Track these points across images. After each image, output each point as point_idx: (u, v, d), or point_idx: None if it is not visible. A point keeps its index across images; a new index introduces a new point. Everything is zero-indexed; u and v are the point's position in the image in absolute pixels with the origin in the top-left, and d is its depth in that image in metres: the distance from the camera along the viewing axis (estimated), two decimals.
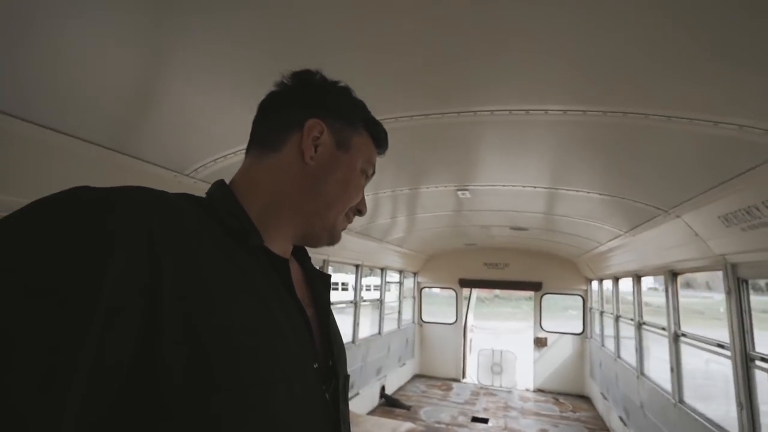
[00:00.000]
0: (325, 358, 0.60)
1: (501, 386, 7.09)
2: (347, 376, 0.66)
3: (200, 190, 2.51)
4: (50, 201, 0.39)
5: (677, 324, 3.23)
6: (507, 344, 9.15)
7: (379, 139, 0.69)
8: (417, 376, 7.52)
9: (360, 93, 0.70)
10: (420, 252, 6.88)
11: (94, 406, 0.36)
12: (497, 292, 31.03)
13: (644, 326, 4.07)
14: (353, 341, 5.01)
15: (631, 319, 4.32)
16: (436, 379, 7.36)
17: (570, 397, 6.63)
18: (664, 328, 3.41)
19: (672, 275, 3.33)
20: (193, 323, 0.41)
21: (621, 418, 4.58)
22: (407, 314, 7.47)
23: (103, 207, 0.40)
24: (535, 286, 7.14)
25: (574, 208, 3.42)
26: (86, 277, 0.36)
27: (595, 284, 6.40)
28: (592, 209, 3.26)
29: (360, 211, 0.69)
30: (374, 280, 6.43)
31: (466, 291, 7.89)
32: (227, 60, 1.25)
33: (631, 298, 4.38)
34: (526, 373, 7.46)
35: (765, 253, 1.99)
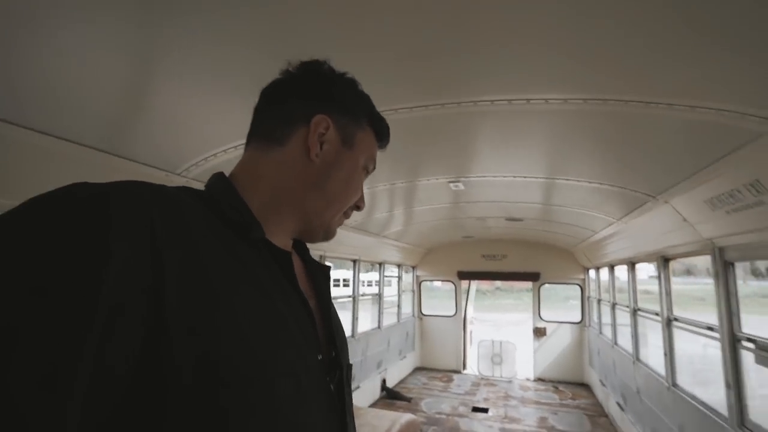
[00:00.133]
0: (328, 349, 0.59)
1: (501, 376, 7.15)
2: (350, 366, 0.67)
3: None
4: (48, 198, 0.39)
5: (670, 309, 3.27)
6: (508, 336, 9.21)
7: (381, 134, 0.69)
8: (418, 369, 7.59)
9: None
10: (418, 246, 6.92)
11: (98, 407, 0.36)
12: (498, 284, 31.14)
13: (639, 312, 4.11)
14: (353, 335, 5.06)
15: (627, 306, 4.36)
16: (437, 371, 7.43)
17: (570, 385, 6.69)
18: (658, 314, 3.45)
19: (664, 261, 3.36)
20: (198, 319, 0.41)
21: (619, 404, 4.64)
22: (407, 308, 7.52)
23: (101, 202, 0.39)
24: (533, 277, 7.19)
25: (567, 197, 3.45)
26: (86, 275, 0.35)
27: (592, 273, 6.44)
28: (585, 198, 3.29)
29: (358, 207, 0.69)
30: (375, 276, 6.48)
31: (465, 283, 7.93)
32: (217, 59, 1.26)
33: (628, 285, 4.42)
34: (526, 362, 7.52)
35: (749, 235, 2.02)
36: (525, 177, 2.91)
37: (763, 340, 2.04)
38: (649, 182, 2.49)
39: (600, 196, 3.10)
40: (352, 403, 0.65)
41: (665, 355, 3.23)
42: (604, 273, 5.54)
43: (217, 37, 1.15)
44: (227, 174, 0.61)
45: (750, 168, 1.65)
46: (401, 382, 6.73)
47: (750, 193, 1.76)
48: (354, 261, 5.30)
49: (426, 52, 1.28)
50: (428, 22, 1.13)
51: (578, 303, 7.09)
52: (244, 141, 1.78)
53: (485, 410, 5.43)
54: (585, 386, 6.60)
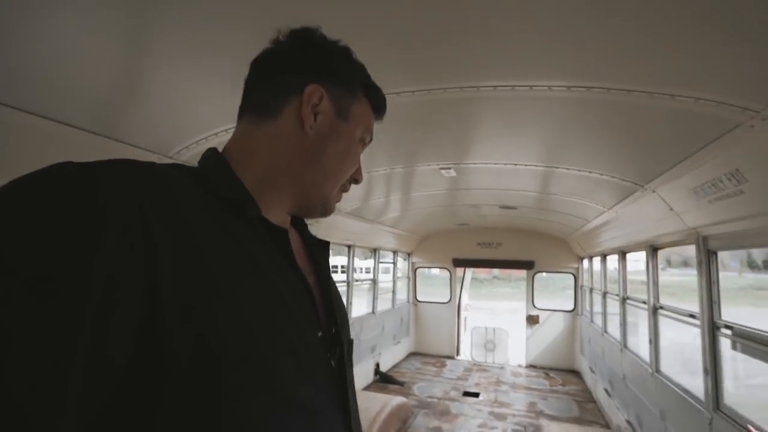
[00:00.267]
0: (328, 325, 0.58)
1: (494, 363, 7.26)
2: (351, 341, 0.65)
3: None
4: (32, 179, 0.37)
5: (656, 297, 3.32)
6: (504, 323, 9.31)
7: (378, 105, 0.66)
8: (412, 354, 7.70)
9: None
10: (413, 232, 6.96)
11: (96, 394, 0.35)
12: (496, 272, 31.32)
13: (628, 301, 4.17)
14: None
15: (617, 295, 4.42)
16: (430, 357, 7.54)
17: (561, 372, 6.80)
18: (645, 302, 3.50)
19: (653, 250, 3.40)
20: (193, 299, 0.40)
21: (606, 390, 4.73)
22: (402, 294, 7.60)
23: (89, 182, 0.38)
24: (528, 265, 7.25)
25: (559, 186, 3.47)
26: (77, 262, 0.34)
27: (586, 262, 6.49)
28: (576, 186, 3.31)
29: (356, 180, 0.66)
30: (372, 264, 6.53)
31: (460, 271, 8.00)
32: (210, 42, 1.26)
33: (618, 275, 4.47)
34: (518, 349, 7.63)
35: (731, 225, 2.05)
36: (516, 164, 2.93)
37: (739, 327, 2.09)
38: (637, 171, 2.51)
39: (591, 185, 3.12)
40: (353, 379, 0.64)
41: (650, 342, 3.29)
42: (597, 262, 5.59)
43: (209, 19, 1.15)
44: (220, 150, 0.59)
45: (730, 157, 1.67)
46: (395, 366, 6.84)
47: (731, 183, 1.78)
48: (348, 246, 5.35)
49: (430, 36, 1.27)
50: (434, 6, 1.12)
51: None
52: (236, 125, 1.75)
53: (476, 395, 5.54)
54: (575, 373, 6.71)
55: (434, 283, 8.25)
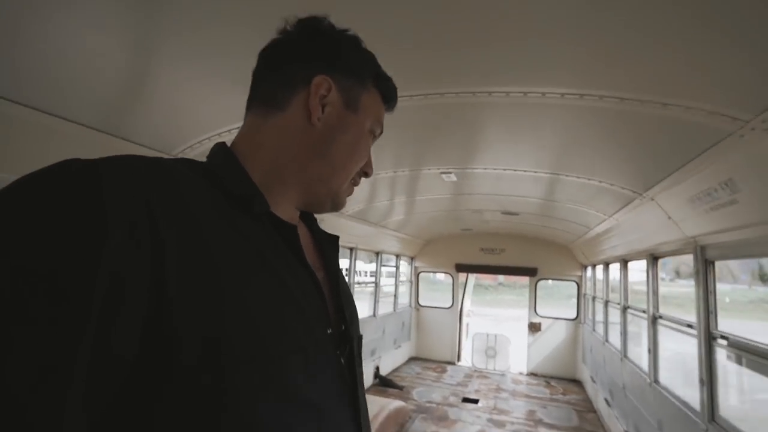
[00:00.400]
0: (337, 322, 0.58)
1: (495, 369, 7.22)
2: (360, 337, 0.65)
3: None
4: (40, 176, 0.37)
5: (656, 307, 3.29)
6: (507, 330, 9.24)
7: (388, 95, 0.64)
8: (413, 359, 7.68)
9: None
10: (417, 236, 6.97)
11: (99, 394, 0.35)
12: (501, 279, 31.10)
13: (629, 310, 4.14)
14: None
15: (618, 304, 4.39)
16: (431, 362, 7.52)
17: (562, 381, 6.74)
18: (645, 311, 3.48)
19: (653, 259, 3.38)
20: (201, 300, 0.40)
21: (606, 400, 4.69)
22: (404, 298, 7.60)
23: (95, 179, 0.37)
24: (531, 272, 7.22)
25: (560, 192, 3.47)
26: (82, 259, 0.34)
27: (589, 270, 6.45)
28: (576, 193, 3.31)
29: (366, 173, 0.65)
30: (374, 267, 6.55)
31: (463, 276, 7.98)
32: (216, 41, 1.27)
33: (619, 283, 4.44)
34: (520, 357, 7.58)
35: (727, 234, 2.05)
36: (515, 170, 2.94)
37: (734, 337, 2.08)
38: (635, 179, 2.51)
39: (591, 192, 3.12)
40: (363, 375, 0.63)
41: (649, 351, 3.27)
42: (600, 271, 5.56)
43: (213, 18, 1.16)
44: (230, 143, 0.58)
45: (723, 167, 1.67)
46: (395, 370, 6.83)
47: (725, 192, 1.78)
48: (351, 249, 5.37)
49: (430, 40, 1.28)
50: (434, 10, 1.13)
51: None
52: (241, 124, 1.82)
53: (475, 401, 5.51)
54: (577, 382, 6.65)
55: (440, 288, 8.23)
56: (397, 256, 7.20)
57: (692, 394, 2.65)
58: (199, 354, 0.39)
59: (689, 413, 2.47)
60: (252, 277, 0.45)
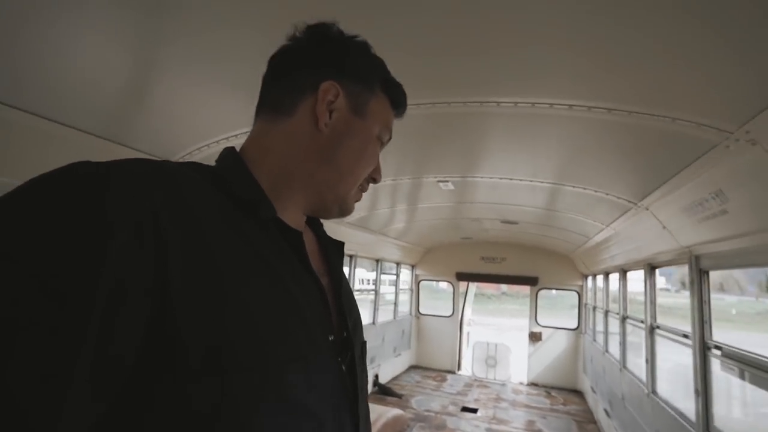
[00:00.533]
0: (340, 329, 0.57)
1: (495, 379, 7.17)
2: (364, 343, 0.65)
3: None
4: (48, 178, 0.38)
5: (653, 317, 3.29)
6: (510, 340, 9.17)
7: (397, 101, 0.64)
8: (413, 367, 7.65)
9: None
10: (417, 245, 6.98)
11: (100, 395, 0.35)
12: (504, 288, 30.94)
13: (628, 320, 4.13)
14: None
15: (617, 314, 4.37)
16: (431, 371, 7.48)
17: (563, 391, 6.69)
18: (643, 322, 3.47)
19: (651, 269, 3.38)
20: (203, 305, 0.40)
21: (606, 411, 4.65)
22: (405, 306, 7.59)
23: (101, 183, 0.38)
24: (531, 281, 7.20)
25: (557, 202, 3.48)
26: (85, 262, 0.34)
27: (590, 280, 6.43)
28: (573, 203, 3.33)
29: (374, 179, 0.65)
30: (383, 277, 6.56)
31: (463, 285, 7.97)
32: (217, 47, 1.29)
33: (632, 295, 4.41)
34: (521, 366, 7.53)
35: (720, 244, 2.06)
36: (511, 179, 2.97)
37: (728, 347, 2.08)
38: (629, 189, 2.53)
39: (588, 202, 3.13)
40: (367, 381, 0.63)
41: (647, 362, 3.25)
42: (600, 280, 5.54)
43: (215, 23, 1.18)
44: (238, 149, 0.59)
45: (712, 177, 1.69)
46: (395, 378, 6.80)
47: (715, 202, 1.80)
48: (351, 256, 5.39)
49: (433, 50, 1.30)
50: (438, 21, 1.15)
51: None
52: (242, 130, 1.84)
53: (474, 410, 5.48)
54: (578, 393, 6.59)
55: (442, 297, 8.21)
56: (398, 264, 7.20)
57: (689, 406, 2.64)
58: (199, 358, 0.39)
59: (685, 424, 2.45)
60: (254, 282, 0.45)
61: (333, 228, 4.42)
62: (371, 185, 0.66)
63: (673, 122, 1.48)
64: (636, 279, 4.33)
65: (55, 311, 0.32)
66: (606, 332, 5.01)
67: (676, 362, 3.30)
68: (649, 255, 3.25)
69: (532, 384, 7.01)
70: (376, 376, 6.11)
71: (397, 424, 4.55)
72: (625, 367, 4.04)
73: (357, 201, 0.65)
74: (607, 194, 2.78)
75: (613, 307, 4.87)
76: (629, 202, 2.68)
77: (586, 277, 6.69)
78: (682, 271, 3.79)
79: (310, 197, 0.59)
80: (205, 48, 1.30)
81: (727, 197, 1.69)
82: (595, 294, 6.05)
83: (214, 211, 0.46)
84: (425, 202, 4.16)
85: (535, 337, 7.15)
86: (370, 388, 5.94)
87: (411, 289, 7.87)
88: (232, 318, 0.41)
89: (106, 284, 0.35)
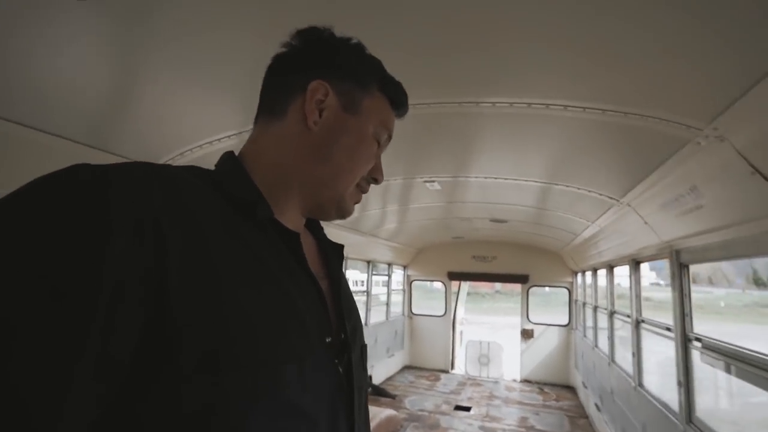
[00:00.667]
0: (338, 331, 0.57)
1: (488, 377, 7.22)
2: (364, 346, 0.65)
3: None
4: (49, 180, 0.38)
5: (639, 311, 3.34)
6: (504, 338, 9.21)
7: (396, 101, 0.64)
8: (406, 368, 7.66)
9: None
10: (409, 245, 7.00)
11: (99, 394, 0.36)
12: (498, 287, 31.11)
13: (616, 315, 4.18)
14: None
15: (606, 309, 4.43)
16: (424, 370, 7.51)
17: (555, 387, 6.75)
18: (629, 316, 3.52)
19: (635, 264, 3.44)
20: (201, 306, 0.40)
21: (596, 405, 4.70)
22: (397, 307, 7.60)
23: (101, 186, 0.38)
24: (522, 279, 7.26)
25: (544, 200, 3.53)
26: (86, 264, 0.35)
27: (579, 277, 6.50)
28: (559, 201, 3.37)
29: (376, 179, 0.64)
30: (376, 278, 6.57)
31: (455, 284, 8.01)
32: (202, 51, 1.29)
33: (622, 290, 4.47)
34: (514, 364, 7.59)
35: (698, 238, 2.10)
36: (496, 178, 3.00)
37: (708, 339, 2.12)
38: (610, 186, 2.57)
39: (572, 199, 3.18)
40: (366, 384, 0.63)
41: (633, 355, 3.30)
42: (589, 276, 5.61)
43: (199, 28, 1.18)
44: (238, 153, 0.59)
45: (686, 173, 1.73)
46: (388, 379, 6.81)
47: (691, 198, 1.84)
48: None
49: (450, 50, 1.31)
50: (455, 24, 1.16)
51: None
52: (228, 133, 1.83)
53: (467, 409, 5.51)
54: (570, 388, 6.65)
55: (436, 297, 8.25)
56: (389, 265, 7.22)
57: (674, 397, 2.69)
58: (195, 358, 0.39)
59: (669, 415, 2.50)
60: (251, 283, 0.45)
61: (324, 229, 4.39)
62: (371, 186, 0.66)
63: (645, 120, 1.51)
64: (624, 275, 4.40)
65: (58, 311, 0.33)
66: (595, 328, 5.07)
67: (664, 355, 3.37)
68: (633, 251, 3.30)
69: (525, 381, 7.07)
70: (370, 377, 6.12)
71: (390, 424, 4.56)
72: (613, 361, 4.10)
73: (357, 202, 0.64)
74: (590, 191, 2.83)
75: (602, 302, 4.93)
76: (611, 198, 2.73)
77: (575, 273, 6.77)
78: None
79: (306, 197, 0.59)
80: (189, 52, 1.30)
81: (702, 193, 1.73)
82: (584, 290, 6.12)
83: (212, 213, 0.46)
84: (416, 203, 4.18)
85: (527, 335, 7.21)
86: None
87: (403, 290, 7.89)
88: (228, 319, 0.42)
89: (108, 283, 0.35)
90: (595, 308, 5.11)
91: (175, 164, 2.28)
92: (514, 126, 1.94)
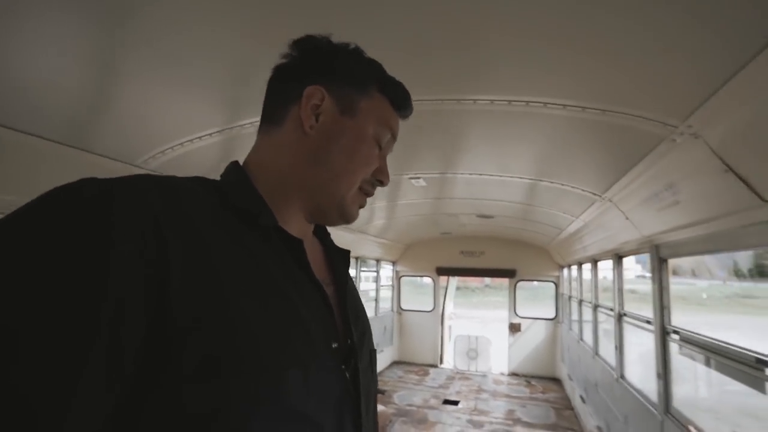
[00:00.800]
0: (345, 336, 0.58)
1: (476, 371, 7.29)
2: (373, 351, 0.65)
3: None
4: (58, 195, 0.40)
5: (621, 305, 3.40)
6: (493, 331, 9.27)
7: (398, 101, 0.63)
8: (395, 363, 7.71)
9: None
10: (397, 241, 7.02)
11: (101, 402, 0.36)
12: (487, 281, 31.35)
13: (599, 308, 4.25)
14: None
15: (590, 303, 4.50)
16: (414, 365, 7.56)
17: (542, 379, 6.85)
18: (612, 310, 3.58)
19: (618, 258, 3.49)
20: (203, 313, 0.41)
21: (581, 397, 4.79)
22: (386, 302, 7.63)
23: (105, 202, 0.40)
24: (510, 273, 7.33)
25: (529, 196, 3.56)
26: (90, 278, 0.36)
27: (565, 271, 6.59)
28: (544, 196, 3.41)
29: (381, 181, 0.64)
30: (366, 273, 6.57)
31: (444, 279, 8.06)
32: (179, 50, 1.28)
33: (608, 284, 4.54)
34: (502, 357, 7.68)
35: (675, 233, 2.15)
36: (481, 175, 3.02)
37: (685, 331, 2.17)
38: (593, 182, 2.61)
39: (557, 195, 3.22)
40: (375, 389, 0.63)
41: (616, 348, 3.36)
42: (575, 271, 5.69)
43: (176, 28, 1.17)
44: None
45: (663, 169, 1.76)
46: (378, 375, 6.84)
47: (668, 193, 1.88)
48: None
49: (432, 48, 1.31)
50: (434, 20, 1.15)
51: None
52: (206, 132, 1.80)
53: (456, 403, 5.57)
54: (556, 381, 6.76)
55: (426, 292, 8.30)
56: (378, 261, 7.23)
57: (653, 388, 2.76)
58: (197, 364, 0.39)
59: (649, 406, 2.56)
60: (254, 291, 0.46)
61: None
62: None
63: (624, 117, 1.53)
64: (608, 269, 4.47)
65: (63, 324, 0.34)
66: (580, 321, 5.16)
67: (647, 347, 3.43)
68: (616, 245, 3.35)
69: (513, 374, 7.16)
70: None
71: (379, 419, 4.59)
72: (597, 354, 4.17)
73: (362, 206, 0.64)
74: (573, 187, 2.86)
75: (587, 296, 5.01)
76: (594, 194, 2.77)
77: (562, 268, 6.86)
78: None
79: (307, 202, 0.59)
80: (169, 50, 1.28)
81: (679, 189, 1.76)
82: (570, 284, 6.21)
83: (215, 222, 0.47)
84: (403, 199, 4.19)
85: (514, 328, 7.29)
86: None
87: (392, 286, 7.91)
88: (231, 326, 0.42)
89: (112, 294, 0.36)
90: (580, 302, 5.19)
91: (155, 162, 2.27)
92: (497, 123, 1.95)
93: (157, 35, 1.21)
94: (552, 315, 7.25)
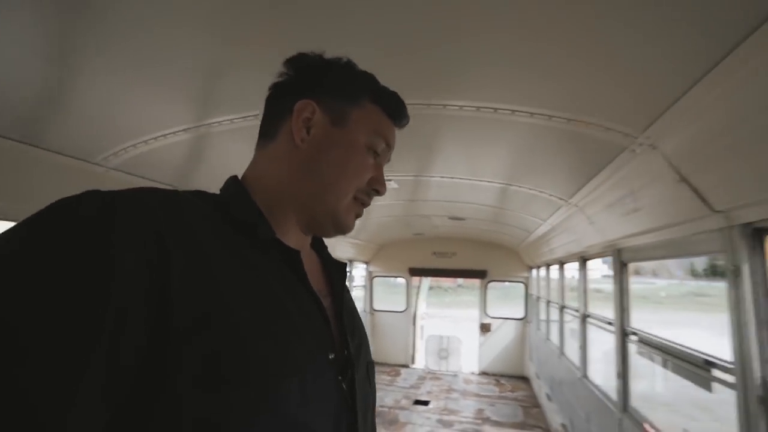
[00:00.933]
0: (341, 347, 0.58)
1: (447, 370, 7.38)
2: (371, 362, 0.66)
3: (111, 178, 2.41)
4: (61, 207, 0.41)
5: (586, 306, 3.51)
6: (464, 330, 9.38)
7: (391, 111, 0.64)
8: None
9: None
10: (370, 242, 7.01)
11: (101, 408, 0.37)
12: (460, 281, 31.85)
13: (566, 309, 4.38)
14: None
15: (557, 303, 4.63)
16: (386, 366, 7.57)
17: (511, 378, 7.00)
18: (577, 311, 3.70)
19: (583, 261, 3.61)
20: (202, 323, 0.41)
21: (547, 395, 4.92)
22: (359, 302, 7.61)
23: (108, 213, 0.40)
24: (481, 274, 7.46)
25: (499, 199, 3.63)
26: (93, 290, 0.37)
27: (534, 272, 6.76)
28: (513, 200, 3.48)
29: (377, 190, 0.65)
30: None
31: (416, 280, 8.11)
32: (139, 47, 1.25)
33: (575, 283, 4.68)
34: (472, 357, 7.80)
35: (636, 239, 2.23)
36: (452, 178, 3.05)
37: (642, 333, 2.27)
38: (559, 187, 2.68)
39: (525, 199, 3.29)
40: (373, 400, 0.64)
41: (580, 348, 3.47)
42: (543, 272, 5.84)
43: (139, 26, 1.14)
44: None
45: (624, 178, 1.83)
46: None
47: (630, 200, 1.95)
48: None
49: (407, 49, 1.30)
50: (404, 23, 1.15)
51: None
52: (168, 131, 1.75)
53: (426, 403, 5.61)
54: (525, 379, 6.93)
55: (400, 292, 8.32)
56: (351, 261, 7.20)
57: (613, 387, 2.86)
58: (196, 373, 0.40)
59: (609, 405, 2.65)
60: (252, 302, 0.47)
61: None
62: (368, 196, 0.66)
63: (587, 126, 1.58)
64: (575, 269, 4.62)
65: (65, 333, 0.35)
66: (548, 321, 5.30)
67: (610, 346, 3.57)
68: (581, 248, 3.46)
69: (483, 373, 7.29)
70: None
71: None
72: (563, 353, 4.30)
73: (358, 216, 0.65)
74: (541, 192, 2.93)
75: (554, 297, 5.16)
76: (560, 199, 2.85)
77: (531, 269, 7.03)
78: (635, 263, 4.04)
79: (302, 214, 0.60)
80: (131, 46, 1.24)
81: (638, 197, 1.83)
82: (538, 285, 6.37)
83: (215, 234, 0.48)
84: (376, 200, 4.17)
85: (485, 328, 7.42)
86: None
87: (365, 286, 7.90)
88: (232, 334, 0.43)
89: (114, 303, 0.37)
90: (548, 303, 5.33)
91: (117, 159, 2.17)
92: (467, 128, 1.98)
93: (121, 30, 1.16)
94: (521, 315, 7.42)
